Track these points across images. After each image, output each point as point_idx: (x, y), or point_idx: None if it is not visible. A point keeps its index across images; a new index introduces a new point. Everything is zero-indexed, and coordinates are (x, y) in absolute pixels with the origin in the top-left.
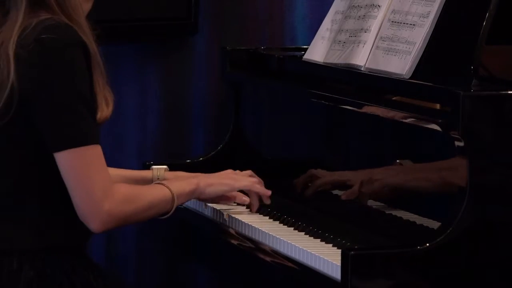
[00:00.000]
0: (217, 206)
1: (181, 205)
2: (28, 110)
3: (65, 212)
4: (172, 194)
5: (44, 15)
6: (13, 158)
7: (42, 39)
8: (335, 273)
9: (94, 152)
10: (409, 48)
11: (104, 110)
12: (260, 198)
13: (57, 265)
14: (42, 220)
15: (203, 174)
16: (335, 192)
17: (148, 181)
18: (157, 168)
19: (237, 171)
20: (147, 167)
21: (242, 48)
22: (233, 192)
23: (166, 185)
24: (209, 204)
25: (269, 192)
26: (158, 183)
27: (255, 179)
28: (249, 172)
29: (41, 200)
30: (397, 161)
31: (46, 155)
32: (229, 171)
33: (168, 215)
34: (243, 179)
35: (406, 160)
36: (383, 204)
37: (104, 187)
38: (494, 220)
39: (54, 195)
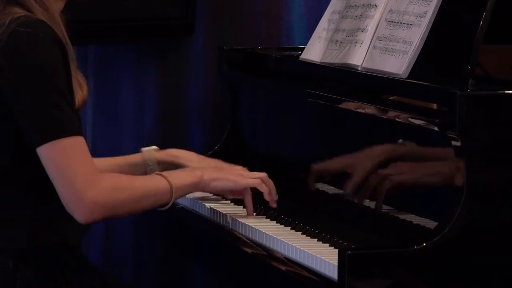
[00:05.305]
0: (215, 207)
1: (177, 204)
2: (7, 107)
3: (59, 210)
4: (170, 185)
5: (18, 12)
6: (1, 157)
7: (16, 33)
8: (332, 273)
9: (75, 143)
10: (406, 47)
11: (79, 94)
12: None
13: (52, 264)
14: (37, 218)
15: (209, 160)
16: (332, 191)
17: (139, 165)
18: (147, 149)
19: (246, 170)
20: None
21: (239, 47)
22: (244, 191)
23: (164, 175)
24: (206, 204)
25: (274, 195)
26: (157, 174)
27: (263, 176)
28: (262, 174)
29: (34, 199)
30: (400, 140)
31: (34, 152)
32: (239, 167)
33: (167, 206)
34: (249, 177)
35: (408, 142)
36: (380, 204)
37: (86, 176)
38: (491, 220)
39: (47, 193)
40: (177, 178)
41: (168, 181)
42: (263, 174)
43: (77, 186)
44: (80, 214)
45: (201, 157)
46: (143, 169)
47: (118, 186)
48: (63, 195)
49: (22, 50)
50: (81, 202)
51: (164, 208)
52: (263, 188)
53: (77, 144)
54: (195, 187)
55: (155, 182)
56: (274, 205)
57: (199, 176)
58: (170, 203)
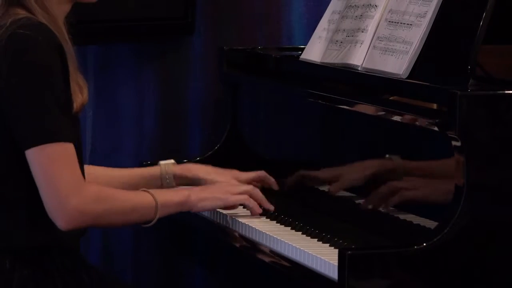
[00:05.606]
0: None
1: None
2: (3, 108)
3: None
4: (156, 202)
5: (20, 14)
6: None
7: (15, 35)
8: (332, 273)
9: (62, 150)
10: (406, 48)
11: (79, 97)
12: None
13: (50, 264)
14: (34, 219)
15: (226, 172)
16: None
17: (156, 177)
18: (165, 163)
19: (237, 177)
20: (144, 166)
21: (239, 48)
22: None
23: (151, 192)
24: None
25: (259, 211)
26: (144, 190)
27: (249, 190)
28: (249, 187)
29: (32, 199)
30: (387, 155)
31: None
32: (226, 182)
33: (151, 223)
34: (237, 192)
35: (396, 156)
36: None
37: (71, 184)
38: (491, 220)
39: None
40: (164, 196)
41: (154, 198)
42: (249, 187)
43: (60, 193)
44: (61, 221)
45: (219, 170)
46: (160, 182)
47: (101, 196)
48: (46, 200)
49: (20, 53)
50: (63, 209)
51: (148, 225)
52: (251, 204)
53: (65, 151)
54: (181, 206)
55: (140, 197)
56: (260, 212)
57: (186, 195)
58: (154, 220)
